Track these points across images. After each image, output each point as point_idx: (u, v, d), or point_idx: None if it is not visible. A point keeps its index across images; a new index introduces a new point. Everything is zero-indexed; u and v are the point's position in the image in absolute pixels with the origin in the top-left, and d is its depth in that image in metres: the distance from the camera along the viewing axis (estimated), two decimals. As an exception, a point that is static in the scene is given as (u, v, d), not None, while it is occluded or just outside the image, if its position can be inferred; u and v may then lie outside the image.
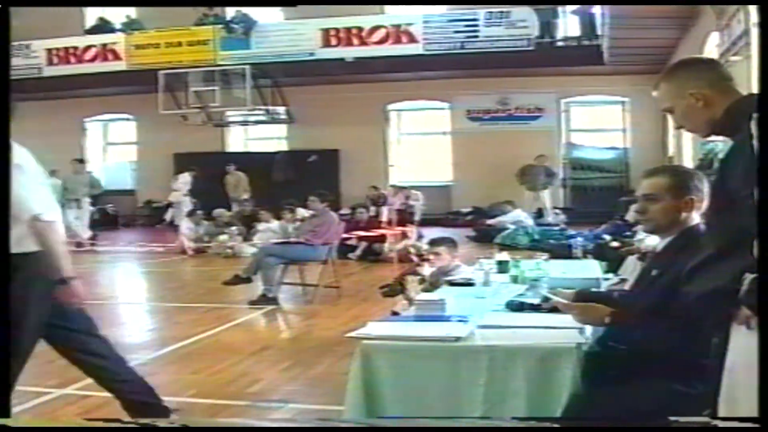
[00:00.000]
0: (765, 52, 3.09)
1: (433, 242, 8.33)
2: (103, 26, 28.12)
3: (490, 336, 4.50)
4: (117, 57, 26.90)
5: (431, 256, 8.21)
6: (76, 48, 27.50)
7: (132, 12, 27.99)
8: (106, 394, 7.02)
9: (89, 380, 7.39)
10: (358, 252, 16.81)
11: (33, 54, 27.81)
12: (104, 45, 27.18)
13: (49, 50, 27.66)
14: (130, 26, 27.57)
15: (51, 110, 28.49)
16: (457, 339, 4.42)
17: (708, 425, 2.93)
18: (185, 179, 23.68)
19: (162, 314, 11.77)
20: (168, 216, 24.45)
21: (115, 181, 27.97)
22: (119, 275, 17.24)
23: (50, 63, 27.65)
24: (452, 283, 6.46)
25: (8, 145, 4.86)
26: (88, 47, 27.34)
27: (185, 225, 19.32)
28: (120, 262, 19.02)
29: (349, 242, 16.26)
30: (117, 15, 28.29)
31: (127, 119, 29.58)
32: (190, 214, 19.92)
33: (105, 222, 24.92)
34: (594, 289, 5.55)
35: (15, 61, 27.08)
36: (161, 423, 5.34)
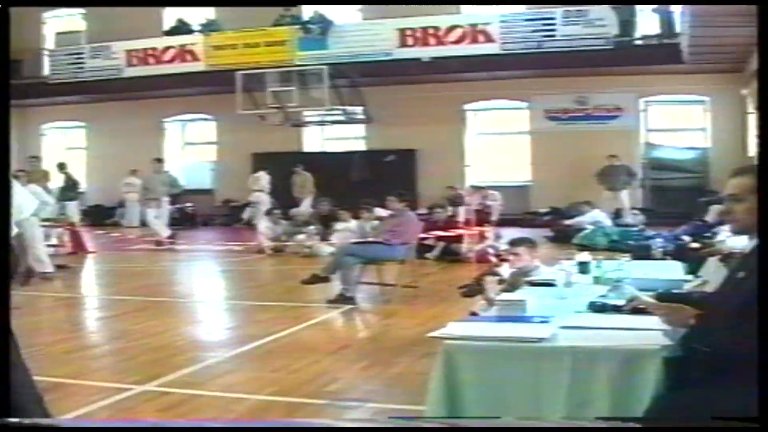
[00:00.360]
0: (765, 52, 3.06)
1: (513, 242, 8.25)
2: (181, 27, 28.44)
3: (573, 337, 4.47)
4: (195, 58, 27.19)
5: (510, 257, 8.15)
6: (155, 49, 27.87)
7: (211, 13, 28.26)
8: (186, 390, 7.12)
9: (169, 377, 7.53)
10: (436, 252, 16.76)
11: (113, 55, 28.22)
12: (183, 46, 27.50)
13: (129, 52, 28.05)
14: (208, 27, 27.83)
15: (131, 111, 28.92)
16: (540, 340, 4.39)
17: (708, 425, 2.89)
18: (265, 178, 23.83)
19: (241, 313, 11.85)
20: (245, 215, 24.62)
21: (194, 181, 28.26)
22: (198, 274, 17.39)
23: (130, 64, 28.04)
24: (533, 284, 6.41)
25: (8, 145, 4.96)
26: (167, 48, 27.69)
27: (264, 224, 19.42)
28: (198, 260, 19.20)
29: (426, 242, 16.23)
30: (195, 16, 28.59)
31: (206, 119, 29.85)
32: (269, 213, 20.02)
33: (183, 221, 25.19)
34: (675, 291, 5.46)
35: (95, 63, 27.59)
36: (162, 423, 5.36)
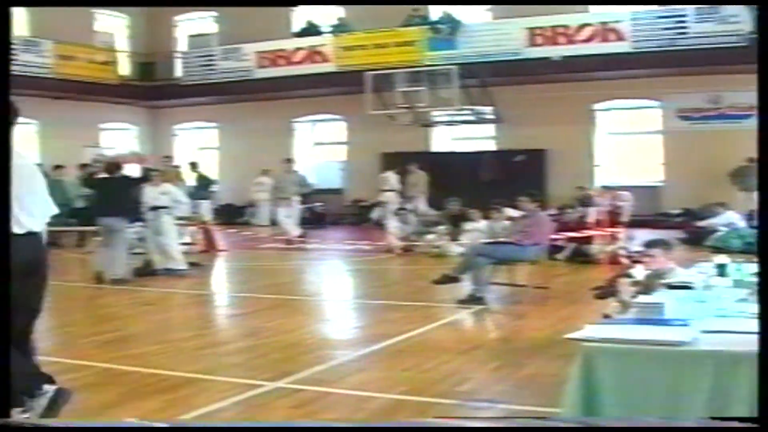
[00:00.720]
0: (765, 51, 2.95)
1: (648, 244, 8.11)
2: (310, 29, 28.71)
3: (715, 341, 4.37)
4: (325, 59, 27.45)
5: (645, 258, 8.00)
6: (284, 50, 28.18)
7: (341, 14, 28.50)
8: (318, 388, 7.16)
9: (302, 374, 7.59)
10: (566, 253, 16.59)
11: (244, 57, 28.68)
12: (312, 47, 27.77)
13: (259, 53, 28.45)
14: (338, 28, 28.06)
15: (261, 111, 29.36)
16: (682, 343, 4.31)
17: (708, 425, 2.80)
18: (393, 178, 23.89)
19: (370, 312, 11.89)
20: (375, 214, 24.70)
21: (323, 180, 28.50)
22: (327, 272, 17.52)
23: (260, 66, 28.44)
24: (670, 287, 6.26)
25: (9, 145, 5.06)
26: (297, 49, 28.00)
27: (393, 224, 19.46)
28: (327, 259, 19.34)
29: (556, 243, 16.07)
30: (325, 18, 28.86)
31: (336, 119, 30.07)
32: (398, 212, 20.06)
33: (313, 220, 25.40)
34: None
35: (226, 64, 28.09)
36: (162, 423, 5.38)
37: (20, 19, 28.21)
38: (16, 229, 5.68)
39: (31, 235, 5.87)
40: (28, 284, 5.88)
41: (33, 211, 5.93)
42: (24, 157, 6.04)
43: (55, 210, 6.28)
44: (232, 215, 27.17)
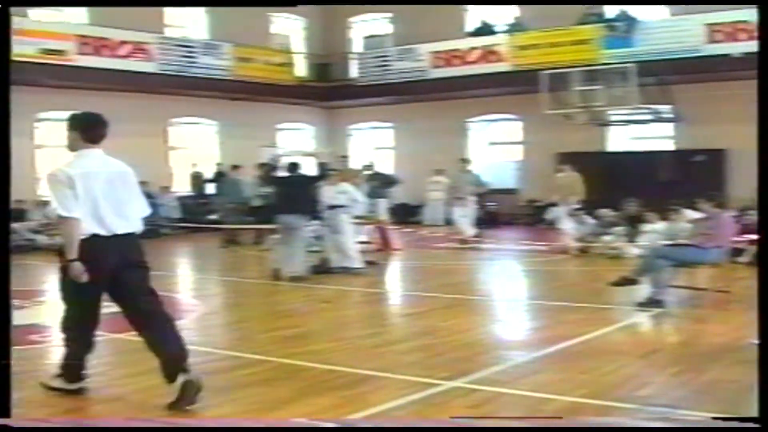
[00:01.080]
0: (765, 51, 2.82)
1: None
2: (484, 29, 28.70)
3: None
4: (500, 58, 27.38)
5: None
6: (459, 50, 28.24)
7: (516, 13, 28.41)
8: (495, 388, 7.16)
9: (478, 374, 7.60)
10: (748, 256, 16.11)
11: (418, 57, 28.87)
12: (487, 47, 27.73)
13: (434, 53, 28.57)
14: (513, 28, 27.97)
15: (436, 111, 29.48)
16: None
17: (708, 425, 2.66)
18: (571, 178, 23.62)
19: (546, 313, 11.75)
20: (549, 215, 24.47)
21: (498, 180, 28.37)
22: (502, 273, 17.48)
23: (435, 66, 28.55)
24: None
25: (8, 144, 5.25)
26: (472, 49, 28.00)
27: (569, 224, 19.26)
28: (502, 260, 19.29)
29: (738, 245, 15.62)
30: (500, 17, 28.81)
31: (510, 119, 29.95)
32: (574, 213, 19.84)
33: (486, 220, 25.34)
34: None
35: (401, 65, 28.37)
36: (161, 423, 5.34)
37: (201, 23, 29.09)
38: (107, 231, 6.66)
39: (130, 236, 6.82)
40: (138, 273, 6.91)
41: (129, 215, 6.86)
42: (116, 165, 6.93)
43: (149, 210, 7.19)
44: (406, 214, 27.32)
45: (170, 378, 6.69)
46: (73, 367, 7.04)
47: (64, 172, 6.58)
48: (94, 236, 6.61)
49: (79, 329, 6.99)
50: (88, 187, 6.59)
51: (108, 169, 6.80)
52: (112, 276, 6.74)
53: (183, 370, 6.66)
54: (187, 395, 6.57)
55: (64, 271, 6.66)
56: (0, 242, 5.32)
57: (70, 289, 6.77)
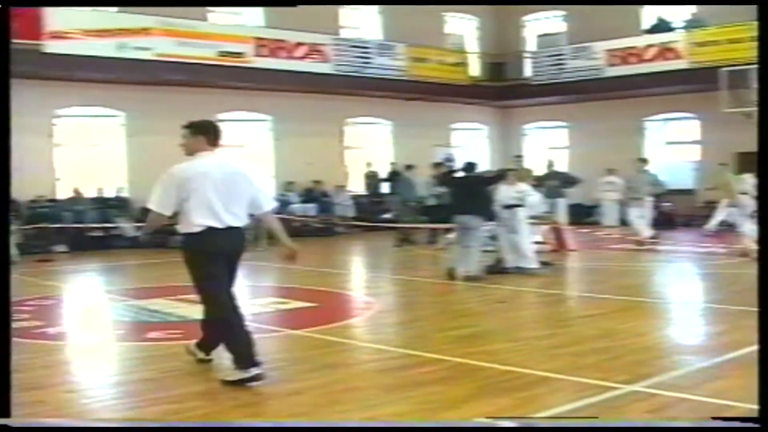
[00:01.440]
0: (765, 51, 2.65)
1: None
2: (661, 25, 28.26)
3: None
4: (677, 55, 26.95)
5: None
6: (635, 48, 27.90)
7: (693, 10, 27.88)
8: (674, 393, 7.06)
9: (657, 378, 7.52)
10: None
11: (593, 56, 28.65)
12: (664, 44, 27.32)
13: (609, 51, 28.30)
14: (691, 24, 27.45)
15: (611, 111, 29.18)
16: None
17: (708, 425, 2.52)
18: (750, 180, 23.02)
19: (726, 317, 11.43)
20: (725, 217, 23.89)
21: (675, 180, 27.83)
22: (678, 275, 17.21)
23: (610, 64, 28.29)
24: None
25: (8, 144, 5.31)
26: (648, 47, 27.62)
27: (748, 227, 18.78)
28: (679, 262, 18.98)
29: None
30: (677, 14, 28.32)
31: (688, 118, 29.39)
32: (753, 215, 19.33)
33: (661, 221, 24.93)
34: None
35: (576, 63, 28.16)
36: (161, 423, 5.28)
37: (375, 24, 29.45)
38: (221, 224, 7.36)
39: (234, 229, 7.47)
40: (232, 265, 7.62)
41: (237, 212, 7.49)
42: (231, 167, 7.59)
43: (273, 204, 8.02)
44: (580, 215, 27.10)
45: (207, 351, 8.09)
46: (246, 354, 7.41)
47: (182, 173, 7.40)
48: (210, 228, 7.31)
49: (232, 312, 7.54)
50: (203, 185, 7.30)
51: (223, 170, 7.50)
52: (226, 261, 7.50)
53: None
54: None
55: (194, 265, 7.50)
56: (0, 242, 5.43)
57: (204, 279, 7.51)
